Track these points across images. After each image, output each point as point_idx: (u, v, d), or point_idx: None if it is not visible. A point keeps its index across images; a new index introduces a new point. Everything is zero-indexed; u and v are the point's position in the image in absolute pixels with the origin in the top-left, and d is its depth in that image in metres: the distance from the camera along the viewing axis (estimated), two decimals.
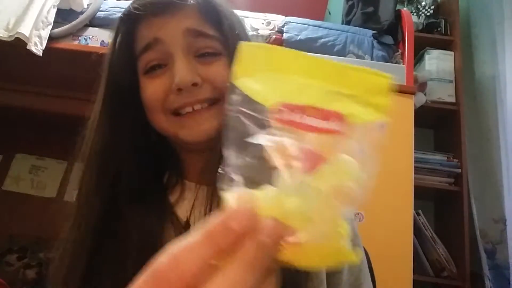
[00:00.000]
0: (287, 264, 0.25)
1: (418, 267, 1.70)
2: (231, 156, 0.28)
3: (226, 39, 0.55)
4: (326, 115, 0.27)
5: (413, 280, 1.32)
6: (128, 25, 0.56)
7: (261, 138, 0.27)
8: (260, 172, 0.27)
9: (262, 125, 0.27)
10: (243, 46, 0.29)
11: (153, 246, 0.49)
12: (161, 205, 0.56)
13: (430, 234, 1.77)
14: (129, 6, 0.56)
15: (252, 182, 0.27)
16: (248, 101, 0.28)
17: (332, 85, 0.28)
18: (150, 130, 0.58)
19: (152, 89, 0.54)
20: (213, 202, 0.55)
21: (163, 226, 0.54)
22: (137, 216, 0.53)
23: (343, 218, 0.27)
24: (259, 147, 0.27)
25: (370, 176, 0.28)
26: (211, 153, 0.54)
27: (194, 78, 0.52)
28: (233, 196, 0.26)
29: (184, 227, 0.54)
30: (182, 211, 0.57)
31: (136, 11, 0.54)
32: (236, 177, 0.27)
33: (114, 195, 0.54)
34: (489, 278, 1.71)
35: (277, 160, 0.27)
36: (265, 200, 0.25)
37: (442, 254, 1.72)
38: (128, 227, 0.52)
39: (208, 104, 0.54)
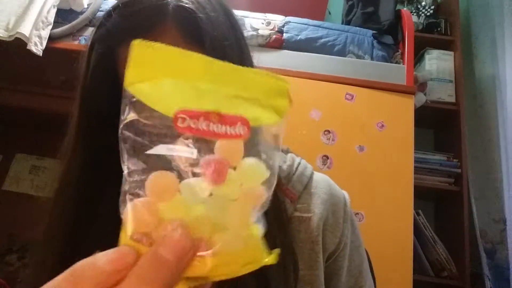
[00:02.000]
0: (200, 280, 0.24)
1: (418, 267, 1.70)
2: (131, 172, 0.26)
3: (213, 53, 0.48)
4: (231, 120, 0.27)
5: (413, 280, 1.32)
6: (106, 45, 0.49)
7: (163, 149, 0.25)
8: None
9: (164, 135, 0.25)
10: (135, 45, 0.26)
11: None
12: None
13: (430, 234, 1.77)
14: (105, 25, 0.49)
15: None
16: (145, 109, 0.25)
17: (234, 89, 0.28)
18: None
19: None
20: None
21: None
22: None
23: (255, 221, 0.27)
24: (162, 157, 0.25)
25: (274, 174, 0.28)
26: None
27: None
28: (131, 206, 0.24)
29: None
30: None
31: (114, 32, 0.48)
32: (140, 192, 0.25)
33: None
34: (489, 278, 1.71)
35: (182, 171, 0.25)
36: (171, 208, 0.24)
37: (442, 254, 1.72)
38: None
39: None
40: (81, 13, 1.68)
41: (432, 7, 2.19)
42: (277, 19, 1.69)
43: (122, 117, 0.26)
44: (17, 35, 1.48)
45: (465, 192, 1.81)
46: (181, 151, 0.25)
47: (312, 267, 0.52)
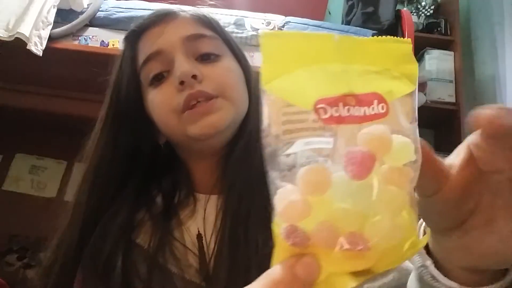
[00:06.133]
0: (364, 274, 0.23)
1: None
2: (274, 173, 0.24)
3: (224, 36, 0.61)
4: (367, 100, 0.24)
5: None
6: (131, 42, 0.61)
7: (300, 145, 0.24)
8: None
9: (305, 129, 0.24)
10: (263, 37, 0.25)
11: (156, 266, 0.51)
12: (165, 224, 0.56)
13: None
14: (131, 26, 0.62)
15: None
16: (285, 105, 0.24)
17: (363, 64, 0.26)
18: (157, 148, 0.62)
19: (160, 96, 0.57)
20: (223, 211, 0.55)
21: (166, 247, 0.54)
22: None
23: (408, 204, 0.24)
24: (302, 154, 0.24)
25: (418, 150, 0.26)
26: (219, 159, 0.58)
27: (194, 70, 0.55)
28: (284, 200, 0.23)
29: (195, 241, 0.55)
30: (194, 224, 0.56)
31: (137, 29, 0.60)
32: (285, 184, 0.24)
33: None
34: None
35: (326, 165, 0.23)
36: (319, 204, 0.23)
37: None
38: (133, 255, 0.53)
39: (211, 99, 0.56)
40: (81, 13, 1.68)
41: (432, 7, 2.19)
42: (277, 19, 1.69)
43: (264, 120, 0.24)
44: (17, 35, 1.48)
45: None
46: (317, 143, 0.24)
47: None
